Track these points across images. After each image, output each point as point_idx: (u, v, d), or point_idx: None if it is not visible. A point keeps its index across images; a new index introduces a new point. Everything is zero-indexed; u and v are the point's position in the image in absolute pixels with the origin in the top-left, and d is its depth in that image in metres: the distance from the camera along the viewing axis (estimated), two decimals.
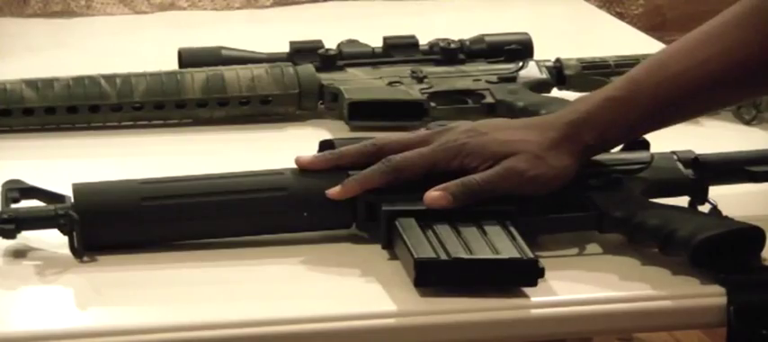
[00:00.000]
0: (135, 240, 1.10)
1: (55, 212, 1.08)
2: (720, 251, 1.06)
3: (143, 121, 1.44)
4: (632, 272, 1.08)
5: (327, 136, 1.23)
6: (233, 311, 1.01)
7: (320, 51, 1.50)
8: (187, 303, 1.03)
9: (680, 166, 1.17)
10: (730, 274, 1.04)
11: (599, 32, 1.93)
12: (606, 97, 1.14)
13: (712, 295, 1.04)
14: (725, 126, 1.43)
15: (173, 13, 2.01)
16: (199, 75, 1.44)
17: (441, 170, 1.11)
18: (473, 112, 1.44)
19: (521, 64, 1.51)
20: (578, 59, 1.52)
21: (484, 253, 1.04)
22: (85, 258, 1.08)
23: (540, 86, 1.49)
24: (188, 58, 1.50)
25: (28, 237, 1.09)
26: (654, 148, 1.17)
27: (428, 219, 1.08)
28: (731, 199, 1.15)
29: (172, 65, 1.49)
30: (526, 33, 1.55)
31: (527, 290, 1.03)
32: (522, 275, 1.04)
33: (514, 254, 1.04)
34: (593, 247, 1.12)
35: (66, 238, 1.08)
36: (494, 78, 1.48)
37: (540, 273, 1.03)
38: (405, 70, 1.49)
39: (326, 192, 1.11)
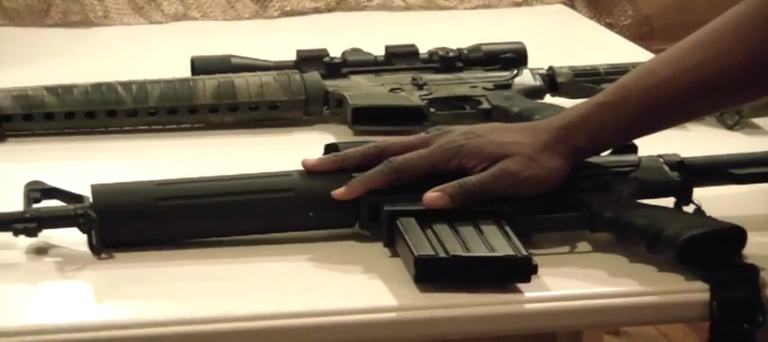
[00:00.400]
0: (150, 238, 1.10)
1: (74, 212, 1.09)
2: (704, 249, 1.06)
3: (157, 125, 1.44)
4: (621, 269, 1.08)
5: (332, 140, 1.23)
6: (242, 306, 1.01)
7: (325, 59, 1.50)
8: (199, 298, 1.03)
9: (666, 168, 1.17)
10: (714, 272, 1.04)
11: (589, 42, 1.92)
12: (597, 103, 1.14)
13: (697, 291, 1.04)
14: (709, 131, 1.43)
15: (185, 23, 2.01)
16: (210, 82, 1.44)
17: (440, 170, 1.11)
18: (470, 117, 1.43)
19: (515, 72, 1.51)
20: (570, 67, 1.52)
21: (480, 251, 1.05)
22: (103, 255, 1.08)
23: (533, 93, 1.49)
24: (200, 66, 1.50)
25: (49, 235, 1.10)
26: (641, 152, 1.18)
27: (427, 218, 1.08)
28: (714, 200, 1.16)
29: (185, 72, 1.49)
30: (520, 43, 1.55)
31: (521, 286, 1.03)
32: (517, 272, 1.04)
33: (509, 252, 1.05)
34: (583, 246, 1.12)
35: (85, 236, 1.08)
36: (490, 85, 1.48)
37: (533, 269, 1.04)
38: (405, 77, 1.49)
39: (332, 193, 1.11)
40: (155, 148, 1.40)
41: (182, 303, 1.02)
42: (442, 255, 1.04)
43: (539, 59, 1.54)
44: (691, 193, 1.17)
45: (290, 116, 1.46)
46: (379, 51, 1.53)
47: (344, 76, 1.49)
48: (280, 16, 2.04)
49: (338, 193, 1.11)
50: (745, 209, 1.14)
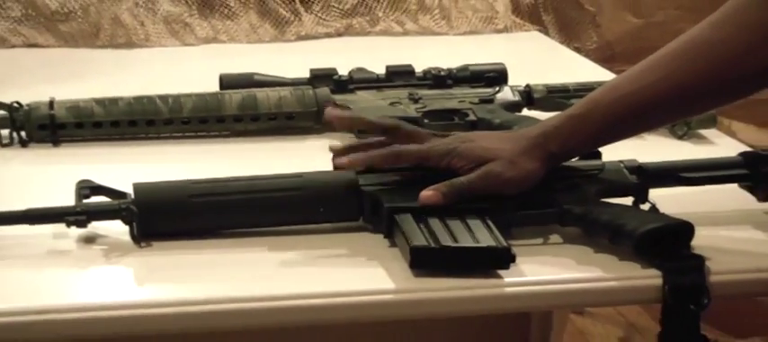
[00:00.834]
0: (183, 229, 1.09)
1: (118, 206, 1.08)
2: (658, 241, 1.05)
3: (190, 132, 1.43)
4: (587, 258, 1.08)
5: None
6: (262, 288, 1.01)
7: (334, 77, 1.50)
8: (225, 281, 1.03)
9: (626, 172, 1.17)
10: (666, 260, 1.04)
11: (560, 63, 1.92)
12: (568, 115, 1.14)
13: (651, 277, 1.04)
14: (661, 141, 1.42)
15: (215, 46, 2.00)
16: (236, 95, 1.44)
17: (432, 165, 1.11)
18: (459, 127, 1.43)
19: (498, 88, 1.51)
20: (544, 85, 1.52)
21: (467, 242, 1.04)
22: (143, 244, 1.08)
23: (513, 107, 1.48)
24: (227, 82, 1.50)
25: (96, 226, 1.09)
26: (605, 158, 1.17)
27: (421, 214, 1.07)
28: (667, 199, 1.15)
29: (213, 87, 1.49)
30: (502, 64, 1.54)
31: (501, 272, 1.03)
32: (498, 260, 1.03)
33: (491, 243, 1.04)
34: (555, 238, 1.12)
35: (127, 228, 1.08)
36: (476, 100, 1.48)
37: (512, 258, 1.03)
38: (403, 93, 1.49)
39: (336, 161, 1.11)
40: (187, 152, 1.40)
41: (210, 285, 1.02)
42: (434, 245, 1.03)
43: (517, 78, 1.53)
44: (647, 193, 1.16)
45: (304, 125, 1.46)
46: (381, 70, 1.53)
47: (351, 91, 1.49)
48: (296, 40, 2.04)
49: (340, 160, 1.11)
50: (692, 207, 1.14)
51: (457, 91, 1.50)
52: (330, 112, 1.11)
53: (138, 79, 1.74)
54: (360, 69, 1.53)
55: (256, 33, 2.03)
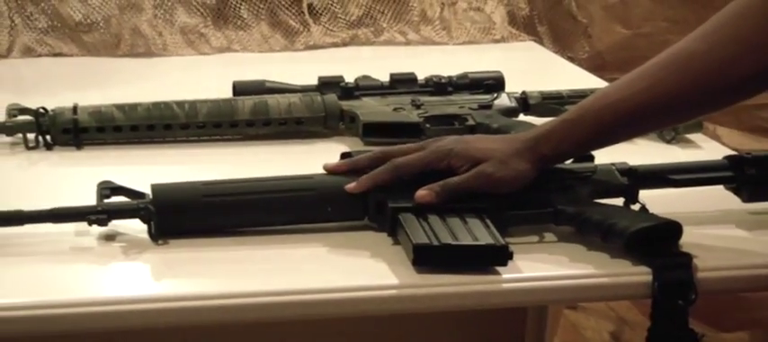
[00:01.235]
0: (198, 228, 1.09)
1: (137, 206, 1.08)
2: (648, 240, 1.05)
3: (205, 136, 1.43)
4: (580, 255, 1.07)
5: (346, 149, 1.23)
6: (272, 283, 1.01)
7: (341, 84, 1.50)
8: (237, 277, 1.03)
9: (617, 174, 1.16)
10: (655, 258, 1.04)
11: (554, 72, 1.92)
12: (561, 120, 1.14)
13: (641, 274, 1.04)
14: (651, 144, 1.42)
15: (229, 55, 2.00)
16: (248, 101, 1.44)
17: (433, 169, 1.11)
18: (459, 131, 1.42)
19: (495, 95, 1.50)
20: (539, 92, 1.51)
21: (466, 240, 1.04)
22: (160, 242, 1.08)
23: (510, 112, 1.48)
24: (240, 89, 1.49)
25: (116, 224, 1.09)
26: (597, 161, 1.17)
27: (423, 213, 1.07)
28: (656, 200, 1.15)
29: (227, 93, 1.48)
30: (499, 72, 1.54)
31: (499, 268, 1.03)
32: (496, 257, 1.03)
33: (490, 241, 1.04)
34: (550, 236, 1.11)
35: (145, 226, 1.08)
36: (474, 106, 1.48)
37: (509, 255, 1.03)
38: (406, 99, 1.49)
39: (345, 187, 1.10)
40: (202, 155, 1.39)
41: (223, 281, 1.02)
42: (435, 243, 1.03)
43: (514, 85, 1.53)
44: (637, 194, 1.16)
45: (313, 130, 1.45)
46: (385, 78, 1.52)
47: (357, 97, 1.49)
48: (305, 49, 2.04)
49: (350, 187, 1.10)
50: (680, 207, 1.14)
51: (457, 97, 1.50)
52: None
53: (157, 86, 1.74)
54: (365, 77, 1.52)
55: (268, 43, 2.03)
